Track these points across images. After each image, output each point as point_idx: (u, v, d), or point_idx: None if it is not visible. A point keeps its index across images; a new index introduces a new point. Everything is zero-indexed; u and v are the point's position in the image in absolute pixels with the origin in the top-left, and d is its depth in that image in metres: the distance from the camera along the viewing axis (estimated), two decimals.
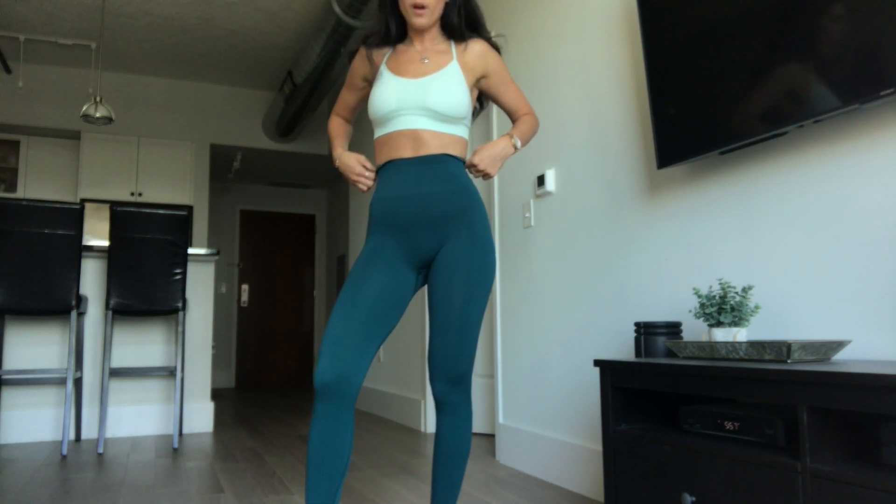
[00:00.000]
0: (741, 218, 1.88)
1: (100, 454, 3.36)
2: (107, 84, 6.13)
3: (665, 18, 2.01)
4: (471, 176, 1.74)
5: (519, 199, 3.09)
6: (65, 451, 3.31)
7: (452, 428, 1.67)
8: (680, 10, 1.95)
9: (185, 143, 6.32)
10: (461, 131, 1.71)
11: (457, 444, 1.67)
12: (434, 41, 1.73)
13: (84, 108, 4.69)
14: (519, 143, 1.75)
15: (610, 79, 2.47)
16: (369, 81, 1.80)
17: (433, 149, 1.65)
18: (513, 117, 1.84)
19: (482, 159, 1.68)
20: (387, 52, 1.75)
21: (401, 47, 1.75)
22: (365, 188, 1.71)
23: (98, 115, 4.67)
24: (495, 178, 3.30)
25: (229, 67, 6.11)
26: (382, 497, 2.48)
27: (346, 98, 1.88)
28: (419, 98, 1.64)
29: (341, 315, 1.54)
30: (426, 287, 1.71)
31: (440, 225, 1.64)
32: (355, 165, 1.71)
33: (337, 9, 4.24)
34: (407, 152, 1.66)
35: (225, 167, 7.36)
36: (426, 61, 1.69)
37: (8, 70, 5.69)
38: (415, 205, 1.63)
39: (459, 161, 1.71)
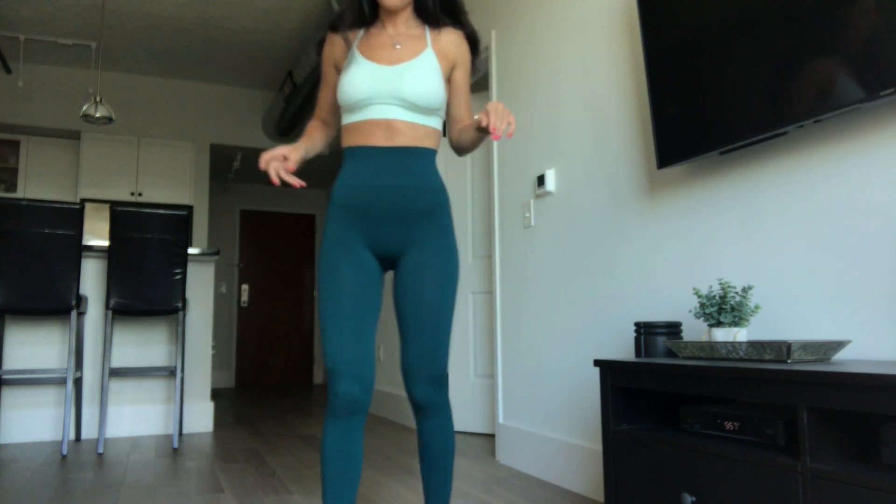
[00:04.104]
0: (741, 218, 1.88)
1: (100, 454, 3.36)
2: (107, 84, 6.13)
3: (665, 18, 2.01)
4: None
5: (519, 199, 3.09)
6: (65, 451, 3.31)
7: (440, 429, 1.63)
8: (680, 10, 1.95)
9: (185, 143, 6.32)
10: (435, 122, 1.63)
11: (446, 444, 1.65)
12: (407, 25, 1.64)
13: (84, 108, 4.70)
14: None
15: (610, 79, 2.47)
16: (340, 69, 1.69)
17: (408, 140, 1.58)
18: (457, 126, 1.71)
19: (496, 117, 1.45)
20: (358, 34, 1.66)
21: (372, 30, 1.65)
22: (274, 178, 1.49)
23: (98, 115, 4.67)
24: (495, 177, 3.30)
25: (229, 67, 6.11)
26: (382, 497, 2.48)
27: (325, 96, 1.75)
28: (394, 87, 1.55)
29: (337, 327, 1.52)
30: (393, 290, 1.64)
31: (411, 221, 1.58)
32: (275, 153, 1.49)
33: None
34: (380, 140, 1.57)
35: (225, 167, 7.36)
36: (398, 47, 1.61)
37: (8, 70, 5.69)
38: (387, 197, 1.56)
39: (433, 153, 1.63)
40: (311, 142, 1.70)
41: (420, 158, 1.59)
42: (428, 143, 1.62)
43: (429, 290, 1.57)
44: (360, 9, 1.64)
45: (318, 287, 1.59)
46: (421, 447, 1.66)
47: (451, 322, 1.61)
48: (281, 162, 1.51)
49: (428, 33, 1.65)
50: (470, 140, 1.66)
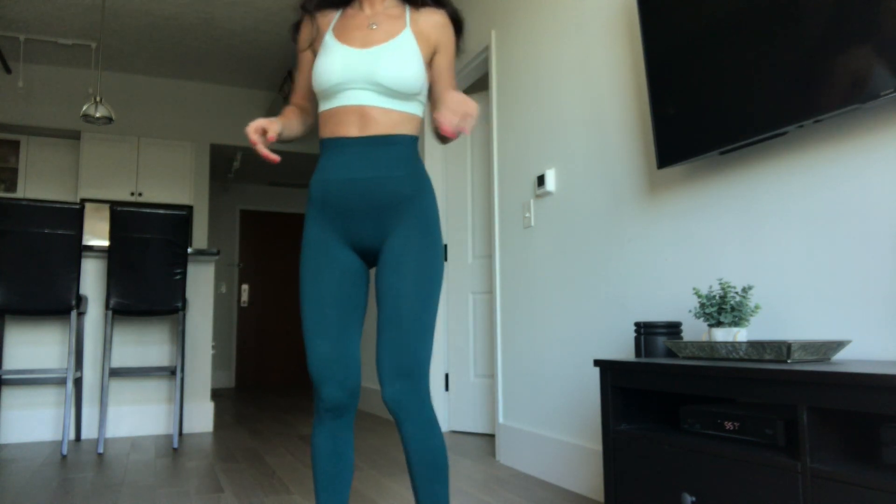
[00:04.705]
0: (741, 218, 1.88)
1: (100, 454, 3.36)
2: (107, 84, 6.13)
3: (665, 18, 2.01)
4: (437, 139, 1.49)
5: (519, 199, 3.09)
6: (65, 451, 3.31)
7: (417, 437, 1.45)
8: (680, 10, 1.95)
9: (185, 143, 6.33)
10: (414, 108, 1.53)
11: (425, 454, 1.45)
12: (385, 4, 1.56)
13: (84, 108, 4.69)
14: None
15: (610, 79, 2.47)
16: (316, 52, 1.60)
17: (382, 128, 1.49)
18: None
19: (447, 110, 1.35)
20: (334, 18, 1.58)
21: (349, 11, 1.57)
22: (264, 152, 1.44)
23: (98, 115, 4.67)
24: (495, 177, 3.30)
25: (229, 67, 6.11)
26: (382, 497, 2.48)
27: (300, 81, 1.66)
28: (367, 71, 1.46)
29: (319, 333, 1.48)
30: (375, 285, 1.55)
31: (384, 213, 1.49)
32: (257, 125, 1.44)
33: None
34: (352, 130, 1.49)
35: (225, 167, 7.36)
36: (374, 27, 1.52)
37: (8, 70, 5.69)
38: (358, 191, 1.48)
39: (411, 140, 1.53)
40: (287, 122, 1.60)
41: (395, 147, 1.50)
42: (404, 130, 1.52)
43: (409, 282, 1.46)
44: None
45: (300, 290, 1.54)
46: (406, 459, 1.50)
47: (432, 318, 1.48)
48: (262, 135, 1.45)
49: (408, 13, 1.55)
50: None
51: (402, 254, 1.47)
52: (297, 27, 1.65)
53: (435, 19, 1.55)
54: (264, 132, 1.45)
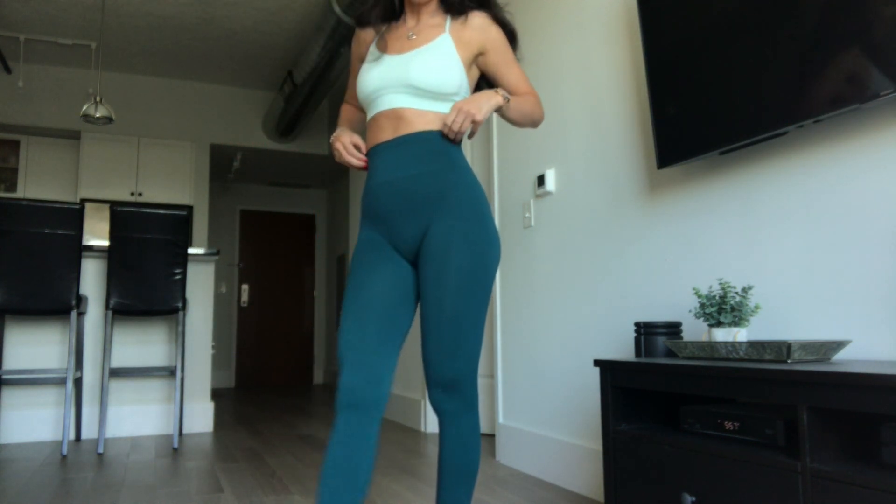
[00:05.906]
0: (741, 218, 1.88)
1: (100, 454, 3.36)
2: (107, 84, 6.13)
3: (665, 18, 2.01)
4: (459, 138, 1.50)
5: (519, 199, 3.09)
6: (65, 451, 3.31)
7: (452, 440, 1.47)
8: (680, 10, 1.95)
9: (185, 143, 6.33)
10: (449, 109, 1.52)
11: (457, 459, 1.47)
12: (430, 15, 1.57)
13: (84, 108, 4.70)
14: (508, 98, 1.50)
15: (610, 79, 2.47)
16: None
17: (415, 127, 1.49)
18: None
19: (458, 108, 1.43)
20: (381, 31, 1.64)
21: (394, 24, 1.62)
22: (358, 167, 1.57)
23: (98, 115, 4.67)
24: (495, 177, 3.30)
25: (229, 67, 6.11)
26: (382, 497, 2.48)
27: (352, 86, 1.73)
28: (402, 74, 1.48)
29: (353, 320, 1.41)
30: (418, 279, 1.53)
31: (420, 210, 1.47)
32: (347, 144, 1.55)
33: (337, 9, 4.24)
34: (387, 134, 1.50)
35: (225, 167, 7.36)
36: (413, 37, 1.54)
37: (8, 70, 5.69)
38: (392, 191, 1.48)
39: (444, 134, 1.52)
40: (350, 124, 1.72)
41: (426, 143, 1.48)
42: (438, 127, 1.50)
43: (448, 282, 1.42)
44: (390, 3, 1.62)
45: (347, 282, 1.52)
46: (438, 456, 1.49)
47: (475, 320, 1.44)
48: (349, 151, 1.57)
49: (449, 21, 1.55)
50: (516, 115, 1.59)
51: (440, 251, 1.43)
52: (354, 39, 1.71)
53: (475, 23, 1.54)
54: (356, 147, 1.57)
